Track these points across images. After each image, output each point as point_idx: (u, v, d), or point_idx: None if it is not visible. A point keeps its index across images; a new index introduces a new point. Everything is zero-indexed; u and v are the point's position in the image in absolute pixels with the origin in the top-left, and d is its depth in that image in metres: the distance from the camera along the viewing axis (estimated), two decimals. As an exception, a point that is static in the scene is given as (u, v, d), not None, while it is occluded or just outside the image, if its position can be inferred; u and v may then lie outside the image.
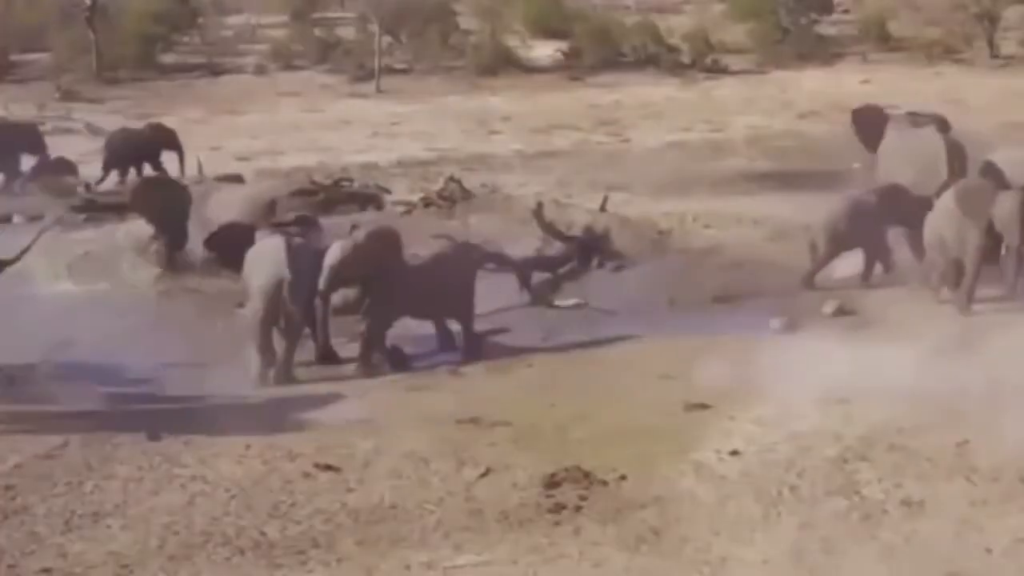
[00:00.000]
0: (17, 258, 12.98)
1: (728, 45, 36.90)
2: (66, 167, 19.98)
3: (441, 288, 13.20)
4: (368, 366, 12.78)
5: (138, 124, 20.92)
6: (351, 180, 20.43)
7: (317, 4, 42.60)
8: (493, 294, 14.99)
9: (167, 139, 20.71)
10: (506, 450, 10.37)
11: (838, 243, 15.01)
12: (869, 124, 17.74)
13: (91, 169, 22.13)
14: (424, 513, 9.31)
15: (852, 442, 10.13)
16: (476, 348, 13.29)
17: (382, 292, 12.99)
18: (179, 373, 12.50)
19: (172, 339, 13.43)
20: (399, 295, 13.01)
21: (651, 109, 30.16)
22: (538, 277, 15.43)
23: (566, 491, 9.53)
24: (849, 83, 32.93)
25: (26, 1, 38.79)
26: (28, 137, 21.51)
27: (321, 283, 12.85)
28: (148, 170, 20.32)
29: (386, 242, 13.20)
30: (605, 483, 9.63)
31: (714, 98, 31.60)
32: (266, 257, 12.82)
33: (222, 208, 15.72)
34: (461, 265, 13.60)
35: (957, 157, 16.00)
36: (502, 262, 15.29)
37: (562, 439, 10.54)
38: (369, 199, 19.47)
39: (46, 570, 8.62)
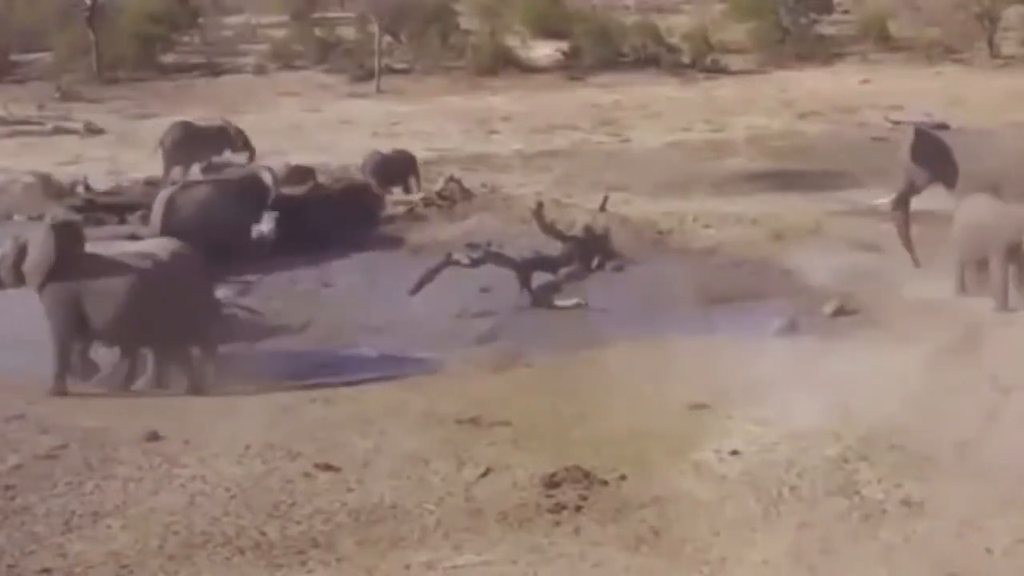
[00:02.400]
0: None
1: (728, 45, 36.94)
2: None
3: (139, 311, 11.97)
4: (58, 383, 12.03)
5: (387, 150, 21.27)
6: (351, 180, 20.40)
7: (317, 4, 42.63)
8: (493, 294, 15.08)
9: (413, 165, 20.86)
10: (506, 450, 10.36)
11: None
12: (937, 155, 15.50)
13: (84, 169, 22.26)
14: (424, 513, 9.30)
15: (852, 442, 10.13)
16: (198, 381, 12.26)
17: (51, 301, 12.06)
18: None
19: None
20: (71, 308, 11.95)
21: (651, 109, 30.19)
22: (538, 277, 15.44)
23: (566, 491, 9.51)
24: (849, 83, 32.99)
25: (26, 1, 38.79)
26: (227, 137, 21.78)
27: None
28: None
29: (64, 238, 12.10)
30: (605, 483, 9.62)
31: (714, 98, 31.63)
32: None
33: None
34: (176, 284, 12.18)
35: None
36: (502, 262, 15.31)
37: (562, 439, 10.53)
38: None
39: (46, 570, 8.61)
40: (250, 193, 17.37)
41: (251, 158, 21.56)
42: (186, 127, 22.17)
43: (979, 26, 36.04)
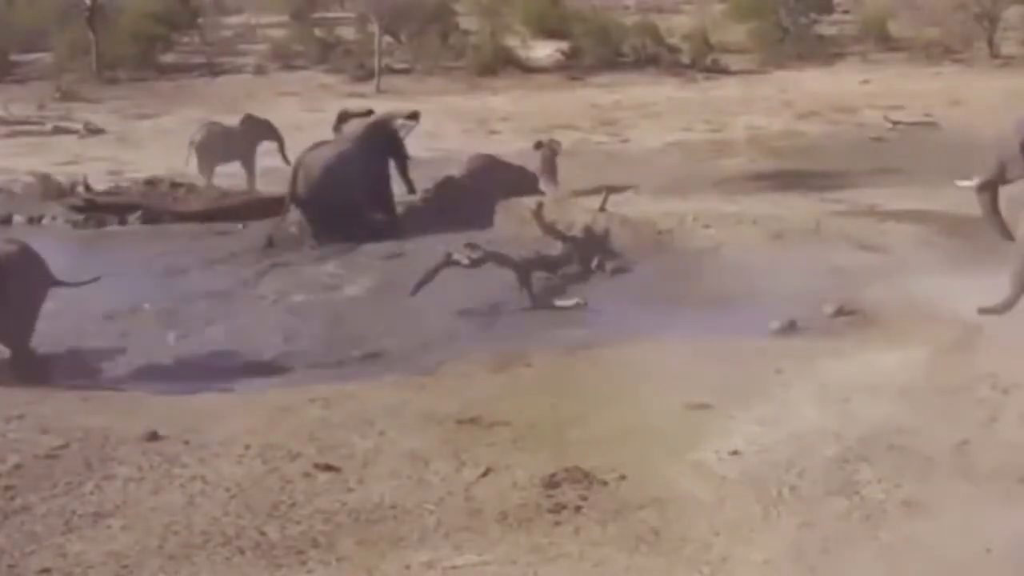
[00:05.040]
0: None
1: (728, 45, 36.97)
2: None
3: None
4: None
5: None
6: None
7: (317, 4, 42.69)
8: (493, 294, 15.08)
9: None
10: (506, 450, 10.36)
11: None
12: None
13: (84, 169, 22.27)
14: (424, 513, 9.29)
15: (852, 442, 10.12)
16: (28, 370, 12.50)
17: None
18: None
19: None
20: None
21: (651, 109, 30.21)
22: (538, 277, 15.44)
23: (566, 491, 9.51)
24: (849, 83, 33.01)
25: (26, 1, 38.83)
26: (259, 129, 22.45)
27: None
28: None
29: None
30: (605, 483, 9.62)
31: (714, 98, 31.64)
32: None
33: None
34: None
35: None
36: (502, 262, 15.31)
37: (562, 439, 10.53)
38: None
39: (46, 570, 8.60)
40: (377, 142, 17.71)
41: (280, 147, 21.97)
42: (213, 126, 22.38)
43: (979, 26, 36.06)
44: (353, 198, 17.20)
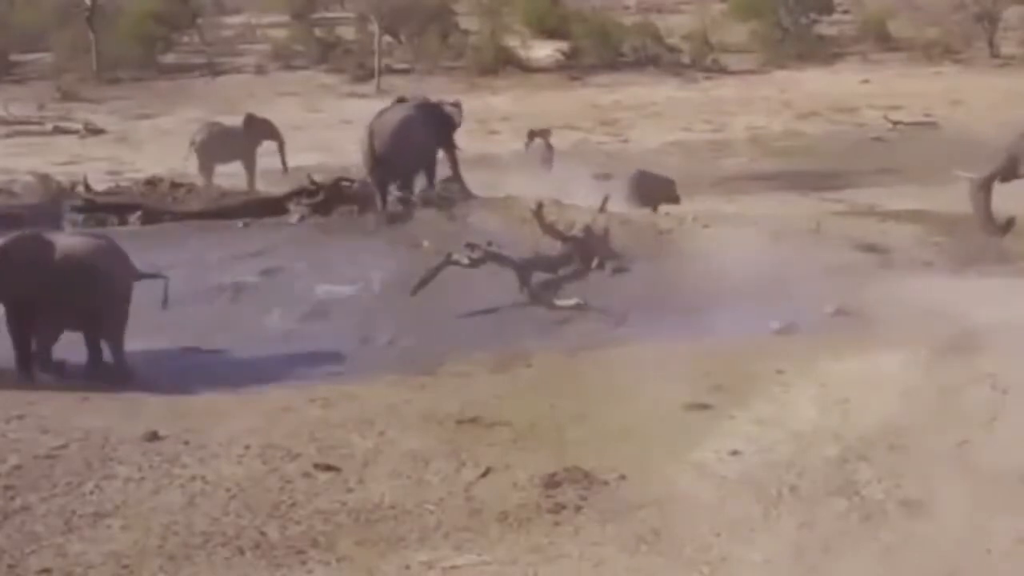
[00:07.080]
0: None
1: (728, 45, 36.99)
2: None
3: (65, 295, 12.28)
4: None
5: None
6: (351, 180, 20.44)
7: (317, 4, 42.72)
8: (493, 294, 15.08)
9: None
10: (506, 450, 10.35)
11: None
12: None
13: (84, 169, 22.27)
14: (424, 513, 9.30)
15: (852, 442, 10.12)
16: (108, 372, 12.55)
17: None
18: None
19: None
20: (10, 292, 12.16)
21: (651, 109, 30.25)
22: (538, 277, 15.44)
23: (566, 491, 9.52)
24: (849, 83, 33.04)
25: (26, 1, 38.85)
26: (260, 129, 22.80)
27: None
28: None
29: None
30: (605, 483, 9.62)
31: (714, 98, 31.66)
32: None
33: None
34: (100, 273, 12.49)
35: None
36: (502, 262, 15.31)
37: (562, 439, 10.53)
38: (369, 199, 19.49)
39: (46, 570, 8.61)
40: (433, 119, 18.90)
41: (281, 147, 22.22)
42: (214, 126, 22.55)
43: (979, 26, 36.10)
44: (413, 158, 18.62)
